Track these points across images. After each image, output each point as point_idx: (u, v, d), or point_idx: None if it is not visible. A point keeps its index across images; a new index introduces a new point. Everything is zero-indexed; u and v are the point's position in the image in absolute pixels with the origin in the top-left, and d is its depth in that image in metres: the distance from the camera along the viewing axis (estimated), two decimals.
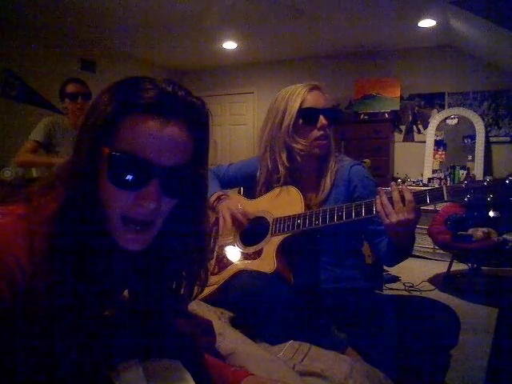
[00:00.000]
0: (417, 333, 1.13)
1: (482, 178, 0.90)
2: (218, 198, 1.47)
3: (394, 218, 1.07)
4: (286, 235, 1.27)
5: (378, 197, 1.12)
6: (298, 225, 1.25)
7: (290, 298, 1.17)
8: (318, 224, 1.21)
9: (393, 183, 1.14)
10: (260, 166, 1.46)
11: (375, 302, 1.31)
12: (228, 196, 1.48)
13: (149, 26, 4.06)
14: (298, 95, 1.35)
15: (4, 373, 0.58)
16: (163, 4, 3.50)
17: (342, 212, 1.18)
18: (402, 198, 1.07)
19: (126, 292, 0.83)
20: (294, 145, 1.36)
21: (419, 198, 1.08)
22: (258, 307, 1.13)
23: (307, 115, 1.34)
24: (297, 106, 1.34)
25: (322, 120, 1.33)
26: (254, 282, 1.16)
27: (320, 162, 1.41)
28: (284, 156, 1.37)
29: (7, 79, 3.86)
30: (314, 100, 1.35)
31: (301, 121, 1.35)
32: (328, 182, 1.36)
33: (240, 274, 1.24)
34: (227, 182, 1.58)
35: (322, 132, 1.34)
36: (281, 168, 1.38)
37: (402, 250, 1.20)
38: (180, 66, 5.83)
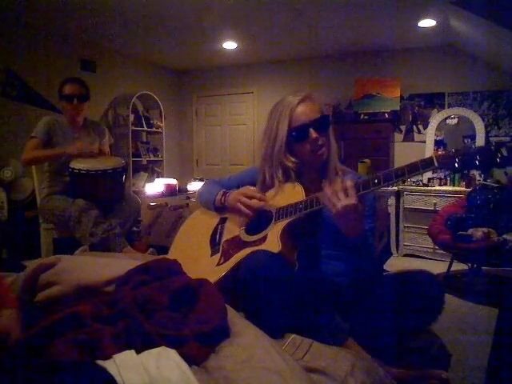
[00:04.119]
0: (408, 309, 1.20)
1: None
2: (224, 194, 1.52)
3: (339, 205, 1.13)
4: (290, 219, 1.31)
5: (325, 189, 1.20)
6: (300, 209, 1.30)
7: (296, 280, 1.19)
8: (320, 204, 1.26)
9: (337, 178, 1.24)
10: (259, 175, 1.52)
11: (376, 289, 1.33)
12: (232, 191, 1.53)
13: (149, 26, 4.06)
14: (285, 115, 1.39)
15: (4, 372, 0.58)
16: (163, 4, 3.50)
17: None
18: (345, 188, 1.15)
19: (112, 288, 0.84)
20: (289, 163, 1.42)
21: (412, 167, 1.15)
22: (267, 283, 1.12)
23: (297, 134, 1.39)
24: (285, 127, 1.39)
25: (313, 134, 1.37)
26: (265, 257, 1.17)
27: (319, 168, 1.46)
28: (280, 172, 1.44)
29: (7, 79, 3.86)
30: (301, 115, 1.38)
31: (292, 140, 1.40)
32: None
33: (249, 255, 1.25)
34: None
35: (314, 144, 1.38)
36: (276, 182, 1.45)
37: (354, 242, 1.24)
38: (180, 66, 5.83)
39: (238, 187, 1.59)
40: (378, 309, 1.24)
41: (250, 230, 1.43)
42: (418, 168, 1.14)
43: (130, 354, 0.67)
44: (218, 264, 1.36)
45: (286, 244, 1.28)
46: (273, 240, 1.28)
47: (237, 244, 1.39)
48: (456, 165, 1.10)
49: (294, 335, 1.09)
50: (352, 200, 1.13)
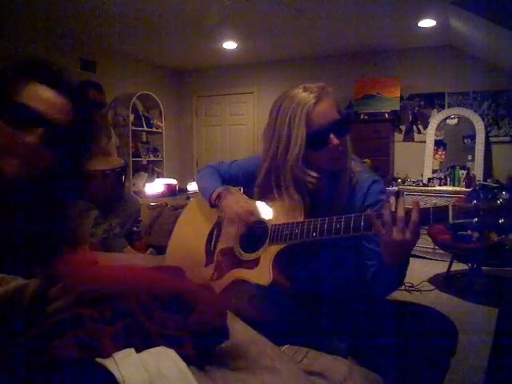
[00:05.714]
0: (415, 346, 1.12)
1: (495, 193, 0.79)
2: (219, 196, 1.41)
3: (391, 236, 0.97)
4: (284, 245, 1.20)
5: (383, 210, 1.03)
6: (296, 235, 1.17)
7: (288, 310, 1.15)
8: (316, 236, 1.12)
9: (401, 198, 1.05)
10: (259, 170, 1.35)
11: (375, 312, 1.29)
12: (230, 192, 1.41)
13: (149, 26, 4.06)
14: (301, 117, 1.15)
15: (4, 371, 0.59)
16: (163, 4, 3.50)
17: (341, 224, 1.08)
18: (407, 217, 0.98)
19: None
20: (306, 178, 1.20)
21: (421, 217, 0.99)
22: (254, 320, 1.11)
23: (316, 140, 1.16)
24: (303, 132, 1.15)
25: (333, 140, 1.15)
26: (250, 295, 1.13)
27: (334, 174, 1.27)
28: (292, 189, 1.22)
29: None
30: (321, 117, 1.15)
31: (310, 148, 1.17)
32: (343, 198, 1.24)
33: (236, 283, 1.22)
34: (228, 181, 1.50)
35: (335, 151, 1.17)
36: (284, 194, 1.26)
37: (393, 273, 1.10)
38: (180, 66, 5.83)
39: (238, 177, 1.49)
40: (382, 337, 1.15)
41: (245, 242, 1.35)
42: (430, 221, 0.97)
43: (129, 353, 0.67)
44: (211, 279, 1.32)
45: (280, 267, 1.20)
46: (265, 267, 1.19)
47: (230, 258, 1.33)
48: (474, 222, 0.90)
49: (287, 345, 1.07)
50: (410, 236, 0.97)
